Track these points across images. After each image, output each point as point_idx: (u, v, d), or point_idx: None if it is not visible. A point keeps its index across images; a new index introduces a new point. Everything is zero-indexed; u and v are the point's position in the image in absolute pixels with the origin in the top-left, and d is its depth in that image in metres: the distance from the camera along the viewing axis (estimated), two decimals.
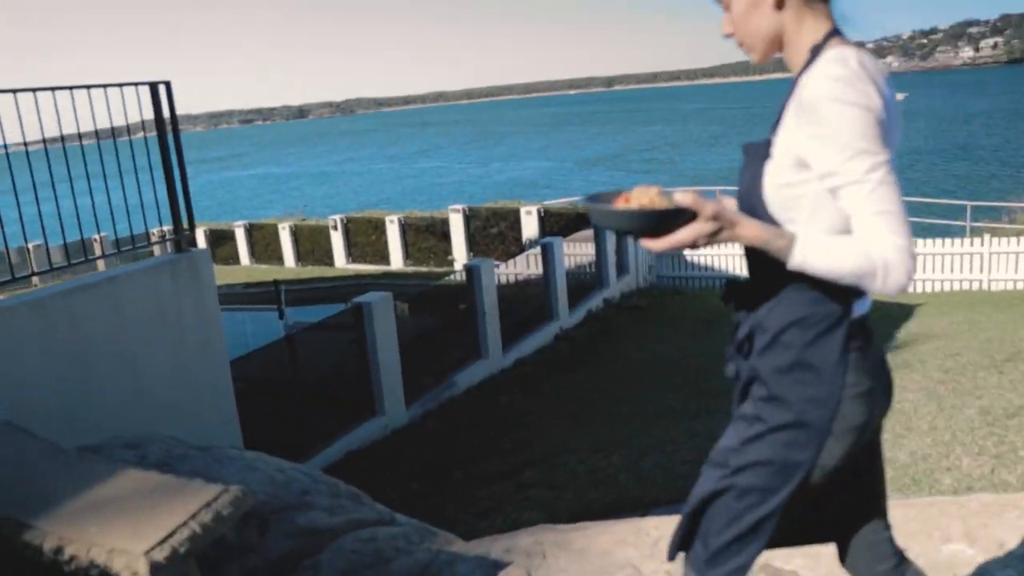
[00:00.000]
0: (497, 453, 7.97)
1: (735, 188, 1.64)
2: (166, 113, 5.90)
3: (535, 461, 7.28)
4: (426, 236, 20.93)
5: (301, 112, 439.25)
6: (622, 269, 16.00)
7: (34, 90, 4.95)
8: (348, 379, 9.72)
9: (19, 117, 4.83)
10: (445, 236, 20.52)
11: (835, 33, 1.53)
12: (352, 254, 22.03)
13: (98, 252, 6.27)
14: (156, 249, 7.00)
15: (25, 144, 5.20)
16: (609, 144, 76.04)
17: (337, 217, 22.24)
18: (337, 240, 22.02)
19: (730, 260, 16.65)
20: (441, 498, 6.85)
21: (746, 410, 1.63)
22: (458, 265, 18.94)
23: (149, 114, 5.82)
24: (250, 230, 23.90)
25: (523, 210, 19.28)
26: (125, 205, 5.63)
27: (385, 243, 21.38)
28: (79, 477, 2.87)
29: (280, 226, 23.18)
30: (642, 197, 1.48)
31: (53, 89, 5.12)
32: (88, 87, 5.31)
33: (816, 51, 1.50)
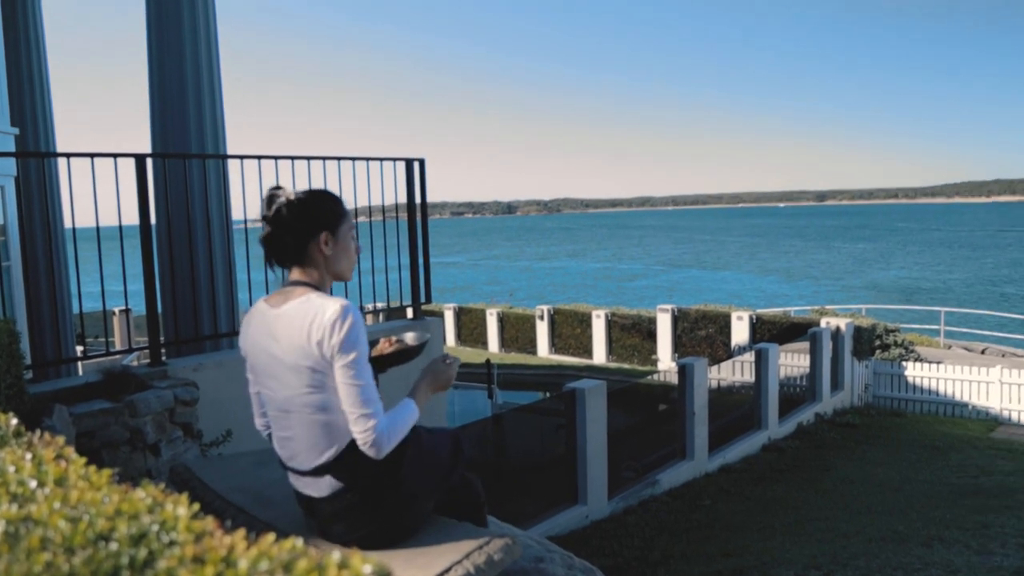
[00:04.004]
0: (703, 557, 7.68)
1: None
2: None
3: (745, 570, 6.94)
4: (631, 333, 20.88)
5: (510, 208, 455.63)
6: (836, 384, 15.27)
7: (292, 158, 5.44)
8: (552, 464, 9.74)
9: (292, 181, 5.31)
10: (651, 335, 20.39)
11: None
12: (556, 345, 22.30)
13: None
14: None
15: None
16: (814, 259, 73.69)
17: (544, 308, 22.66)
18: (542, 330, 22.39)
19: (956, 385, 15.53)
20: None
21: None
22: (662, 365, 18.72)
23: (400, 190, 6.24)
24: (459, 313, 24.76)
25: (734, 315, 18.87)
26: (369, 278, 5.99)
27: (589, 337, 21.51)
28: None
29: (488, 312, 23.87)
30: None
31: (320, 159, 5.61)
32: (353, 159, 5.77)
33: None
